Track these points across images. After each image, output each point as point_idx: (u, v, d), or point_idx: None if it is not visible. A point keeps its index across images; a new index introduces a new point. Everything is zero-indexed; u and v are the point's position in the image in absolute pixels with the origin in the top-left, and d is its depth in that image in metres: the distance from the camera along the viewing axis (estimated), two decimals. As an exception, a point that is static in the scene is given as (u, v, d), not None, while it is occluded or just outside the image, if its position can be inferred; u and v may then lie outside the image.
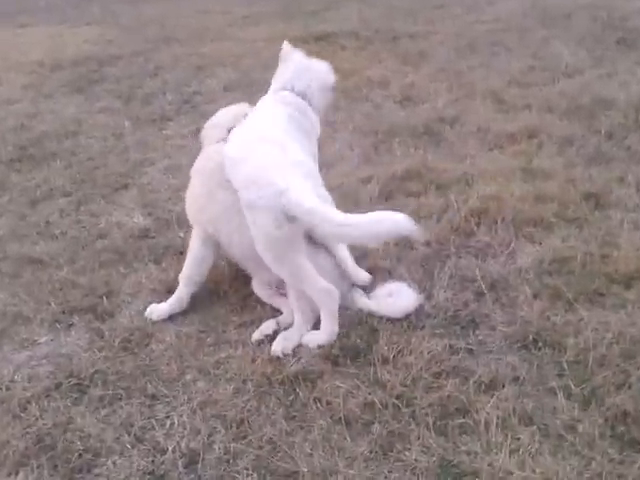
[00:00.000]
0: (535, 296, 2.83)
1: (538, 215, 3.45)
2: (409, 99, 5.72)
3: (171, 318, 2.89)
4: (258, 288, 2.96)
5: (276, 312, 2.88)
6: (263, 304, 2.94)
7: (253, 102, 3.08)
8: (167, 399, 2.44)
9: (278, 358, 2.58)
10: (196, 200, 2.98)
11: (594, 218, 3.43)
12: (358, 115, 5.32)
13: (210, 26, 9.36)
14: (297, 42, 7.75)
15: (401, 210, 3.63)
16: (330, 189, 2.88)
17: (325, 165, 3.67)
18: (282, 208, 2.42)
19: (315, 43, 7.85)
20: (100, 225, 3.80)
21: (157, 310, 2.93)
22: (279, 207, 2.43)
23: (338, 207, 3.73)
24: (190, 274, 2.99)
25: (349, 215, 2.46)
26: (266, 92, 3.04)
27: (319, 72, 3.03)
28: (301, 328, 2.69)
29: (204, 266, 3.00)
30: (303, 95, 2.92)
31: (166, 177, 4.34)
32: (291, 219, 2.45)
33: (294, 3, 10.82)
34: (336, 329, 2.63)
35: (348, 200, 3.86)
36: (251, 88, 6.23)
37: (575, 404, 2.24)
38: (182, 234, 3.49)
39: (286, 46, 3.05)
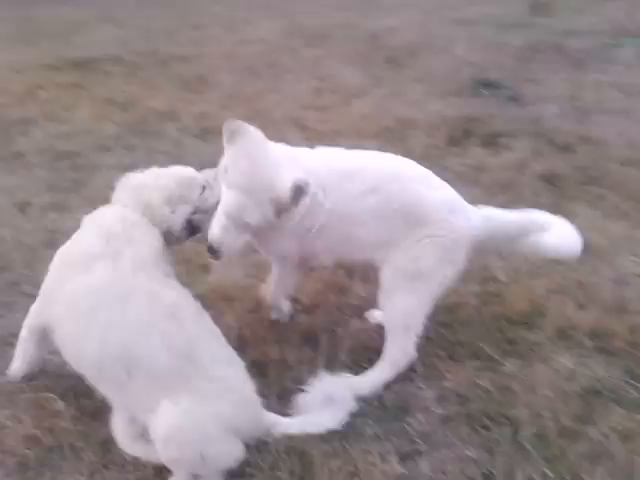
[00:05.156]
0: (451, 357, 2.51)
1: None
2: (208, 131, 5.11)
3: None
4: (118, 428, 2.05)
5: (166, 471, 1.96)
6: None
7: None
8: None
9: None
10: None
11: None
12: (159, 155, 4.54)
13: None
14: (50, 70, 6.71)
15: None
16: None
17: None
18: None
19: (74, 71, 6.72)
20: None
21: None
22: None
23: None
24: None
25: None
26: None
27: None
28: None
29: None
30: None
31: None
32: None
33: (29, 26, 9.29)
34: None
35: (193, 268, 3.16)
36: (7, 132, 5.01)
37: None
38: None
39: None
